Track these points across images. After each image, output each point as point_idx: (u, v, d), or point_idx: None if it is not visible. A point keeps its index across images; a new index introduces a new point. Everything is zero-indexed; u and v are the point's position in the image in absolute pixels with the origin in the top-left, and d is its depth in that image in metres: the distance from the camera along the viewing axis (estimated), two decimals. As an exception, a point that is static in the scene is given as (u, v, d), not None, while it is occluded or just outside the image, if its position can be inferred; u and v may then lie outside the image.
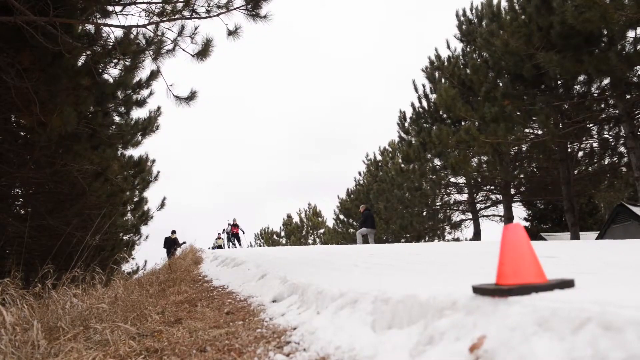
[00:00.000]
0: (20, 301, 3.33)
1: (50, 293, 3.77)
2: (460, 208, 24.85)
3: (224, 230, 26.74)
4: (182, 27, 7.33)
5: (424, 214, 25.09)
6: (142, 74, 9.70)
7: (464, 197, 24.44)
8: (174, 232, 21.54)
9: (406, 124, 24.65)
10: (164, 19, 7.15)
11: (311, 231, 45.21)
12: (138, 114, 13.13)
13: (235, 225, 25.98)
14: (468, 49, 21.21)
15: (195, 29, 7.35)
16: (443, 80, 21.09)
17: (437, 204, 25.17)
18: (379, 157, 35.19)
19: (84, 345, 2.72)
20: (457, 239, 25.94)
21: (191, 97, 8.12)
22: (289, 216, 46.60)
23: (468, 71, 19.22)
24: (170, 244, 20.31)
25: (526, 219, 31.06)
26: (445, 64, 21.65)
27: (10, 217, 10.19)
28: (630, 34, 12.55)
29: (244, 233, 25.95)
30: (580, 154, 18.82)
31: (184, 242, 20.83)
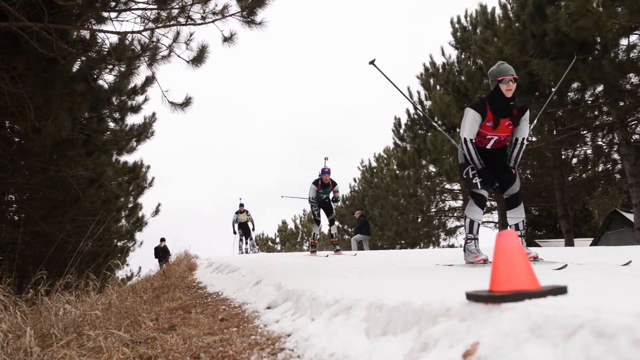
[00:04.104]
0: (12, 308, 3.31)
1: (43, 299, 3.75)
2: (455, 214, 24.92)
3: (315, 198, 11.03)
4: (178, 33, 7.36)
5: (419, 220, 25.15)
6: (137, 80, 9.72)
7: (459, 203, 24.51)
8: (163, 239, 20.08)
9: (401, 131, 24.73)
10: (159, 25, 7.17)
11: (306, 237, 45.13)
12: (133, 119, 13.21)
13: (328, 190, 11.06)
14: (463, 56, 21.32)
15: (191, 35, 7.38)
16: (438, 87, 21.18)
17: (432, 210, 25.23)
18: (374, 164, 35.22)
19: (77, 352, 2.70)
20: (452, 246, 25.97)
21: (186, 103, 8.13)
22: (284, 222, 46.51)
23: (463, 78, 19.32)
24: (162, 253, 19.54)
25: (521, 226, 31.08)
26: (440, 70, 21.74)
27: (3, 223, 10.15)
28: (624, 41, 12.67)
29: (336, 201, 11.23)
30: (574, 160, 18.94)
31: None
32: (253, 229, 19.09)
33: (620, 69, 12.20)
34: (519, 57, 14.48)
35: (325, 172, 10.65)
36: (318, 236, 11.55)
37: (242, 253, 18.32)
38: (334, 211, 11.45)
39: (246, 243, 18.87)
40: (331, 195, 10.99)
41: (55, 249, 6.93)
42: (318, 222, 11.18)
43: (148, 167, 15.87)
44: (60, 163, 9.56)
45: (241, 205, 18.66)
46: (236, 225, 18.75)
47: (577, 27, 11.63)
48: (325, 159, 10.96)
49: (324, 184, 10.75)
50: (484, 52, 16.44)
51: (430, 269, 5.22)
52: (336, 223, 11.79)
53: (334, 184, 10.86)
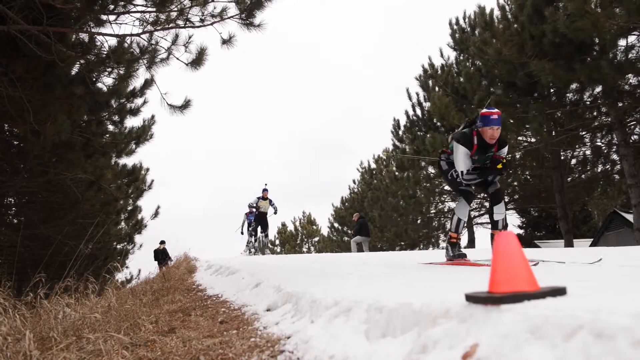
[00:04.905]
0: (12, 311, 3.31)
1: (43, 303, 3.75)
2: (455, 216, 24.86)
3: None
4: (176, 36, 7.36)
5: (419, 221, 25.12)
6: (136, 82, 9.72)
7: (458, 204, 24.46)
8: (162, 242, 20.07)
9: (400, 132, 24.74)
10: (158, 27, 7.17)
11: (306, 239, 45.09)
12: (132, 122, 13.10)
13: (488, 154, 5.63)
14: (461, 58, 21.34)
15: (189, 37, 7.38)
16: (437, 89, 21.19)
17: (432, 211, 25.21)
18: (373, 165, 35.26)
19: (76, 355, 2.70)
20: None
21: (185, 105, 8.12)
22: (283, 224, 46.46)
23: (461, 79, 19.33)
24: (161, 255, 19.61)
25: (520, 227, 31.17)
26: (439, 72, 21.77)
27: (2, 226, 10.15)
28: (622, 42, 12.69)
29: (501, 172, 5.62)
30: (573, 161, 18.95)
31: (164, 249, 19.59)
32: (275, 212, 16.03)
33: (618, 69, 12.22)
34: (517, 58, 14.50)
35: (492, 120, 5.36)
36: (465, 223, 6.02)
37: (250, 253, 15.75)
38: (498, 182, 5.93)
39: (257, 239, 16.22)
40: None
41: (54, 252, 6.92)
42: (469, 199, 5.89)
43: (147, 169, 15.87)
44: (59, 166, 9.56)
45: (265, 190, 15.75)
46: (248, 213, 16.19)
47: (575, 28, 11.65)
48: (487, 101, 6.48)
49: (483, 144, 5.54)
50: (483, 54, 16.46)
51: (430, 269, 5.22)
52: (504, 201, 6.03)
53: (502, 143, 5.69)
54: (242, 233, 17.25)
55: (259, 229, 16.12)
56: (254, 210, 16.06)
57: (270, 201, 15.82)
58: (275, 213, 16.00)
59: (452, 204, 24.80)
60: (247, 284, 5.46)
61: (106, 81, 9.18)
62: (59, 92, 7.54)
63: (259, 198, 15.72)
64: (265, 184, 15.90)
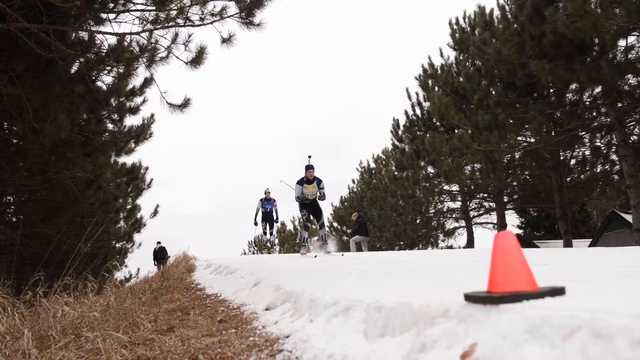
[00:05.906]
0: (10, 309, 3.31)
1: (42, 301, 3.75)
2: (454, 216, 24.89)
3: None
4: (176, 34, 7.34)
5: (418, 221, 25.10)
6: (136, 81, 9.70)
7: (458, 204, 24.48)
8: (159, 242, 21.00)
9: (399, 132, 24.73)
10: (158, 26, 7.16)
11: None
12: (131, 121, 13.08)
13: None
14: (461, 57, 21.33)
15: (189, 36, 7.36)
16: (436, 88, 21.18)
17: (431, 211, 25.18)
18: (372, 165, 35.22)
19: (75, 354, 2.70)
20: (451, 247, 25.95)
21: (185, 104, 8.11)
22: (282, 224, 46.37)
23: (461, 79, 19.31)
24: (160, 254, 20.00)
25: (519, 227, 31.14)
26: (439, 72, 21.75)
27: (2, 224, 10.14)
28: (621, 42, 12.67)
29: None
30: (573, 161, 18.92)
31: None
32: (322, 198, 11.02)
33: (618, 70, 12.20)
34: (517, 58, 14.49)
35: None
36: None
37: (306, 251, 11.51)
38: None
39: (319, 226, 11.80)
40: None
41: (53, 250, 6.91)
42: None
43: (147, 168, 15.84)
44: (58, 164, 9.55)
45: (310, 169, 10.76)
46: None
47: (575, 29, 11.63)
48: None
49: None
50: (483, 53, 16.45)
51: (429, 270, 5.22)
52: None
53: None
54: (255, 224, 15.94)
55: (310, 221, 11.66)
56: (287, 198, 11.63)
57: (319, 182, 10.96)
58: (322, 199, 11.12)
59: (452, 204, 24.82)
60: (246, 283, 5.46)
61: (106, 80, 9.18)
62: (58, 91, 7.52)
63: (302, 184, 10.87)
64: (309, 156, 11.17)
